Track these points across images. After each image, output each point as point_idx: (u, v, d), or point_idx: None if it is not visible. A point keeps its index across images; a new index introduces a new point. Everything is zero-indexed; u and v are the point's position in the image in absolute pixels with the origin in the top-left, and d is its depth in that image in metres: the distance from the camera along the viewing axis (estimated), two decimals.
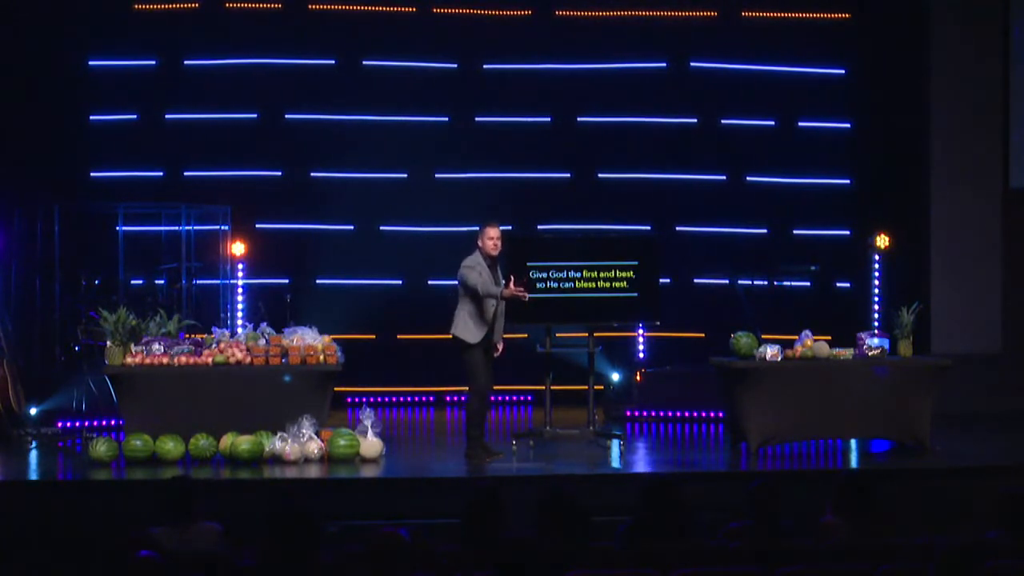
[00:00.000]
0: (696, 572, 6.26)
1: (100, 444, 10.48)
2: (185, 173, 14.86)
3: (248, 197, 14.50)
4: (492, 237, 10.68)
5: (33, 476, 10.45)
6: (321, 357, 11.01)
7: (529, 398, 14.72)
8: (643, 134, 15.24)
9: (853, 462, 11.04)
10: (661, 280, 11.65)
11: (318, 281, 15.05)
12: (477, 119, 15.27)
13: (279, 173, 15.09)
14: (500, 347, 10.85)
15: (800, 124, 15.42)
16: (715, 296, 14.76)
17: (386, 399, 14.76)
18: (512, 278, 10.65)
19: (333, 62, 15.14)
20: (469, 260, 10.70)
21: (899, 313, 11.40)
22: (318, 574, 5.96)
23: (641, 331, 14.50)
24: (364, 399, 14.06)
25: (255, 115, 15.00)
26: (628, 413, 13.32)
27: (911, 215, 14.85)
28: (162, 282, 13.78)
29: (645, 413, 13.35)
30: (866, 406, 11.09)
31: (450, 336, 10.78)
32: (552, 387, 11.22)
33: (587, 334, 11.21)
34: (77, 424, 12.15)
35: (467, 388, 10.86)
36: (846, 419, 11.10)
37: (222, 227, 14.20)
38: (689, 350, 14.15)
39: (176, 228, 14.11)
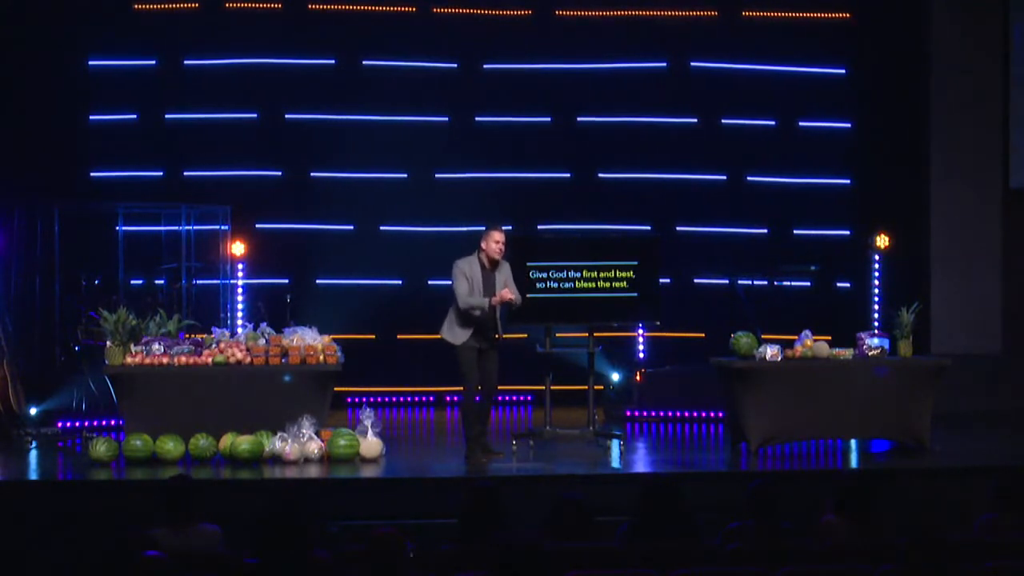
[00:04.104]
0: (696, 572, 6.26)
1: (100, 444, 10.47)
2: (185, 173, 14.86)
3: (248, 197, 14.50)
4: (498, 241, 10.59)
5: (33, 476, 10.44)
6: (321, 357, 11.00)
7: (529, 398, 14.73)
8: (643, 134, 15.23)
9: (853, 462, 11.02)
10: (661, 280, 11.63)
11: (318, 281, 15.05)
12: (477, 119, 15.27)
13: (279, 173, 15.09)
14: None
15: (800, 124, 15.42)
16: (715, 296, 14.76)
17: (386, 399, 14.76)
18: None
19: (333, 62, 15.14)
20: (463, 262, 10.60)
21: (899, 313, 11.39)
22: (318, 574, 5.96)
23: (641, 331, 14.49)
24: (364, 399, 14.06)
25: (255, 115, 15.00)
26: (628, 413, 13.31)
27: (911, 215, 14.85)
28: (162, 282, 13.78)
29: (645, 413, 13.34)
30: (866, 406, 11.08)
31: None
32: (552, 387, 11.20)
33: (587, 334, 11.21)
34: (77, 424, 12.14)
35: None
36: (846, 419, 11.08)
37: (222, 227, 14.18)
38: (689, 350, 14.13)
39: (176, 228, 14.10)
